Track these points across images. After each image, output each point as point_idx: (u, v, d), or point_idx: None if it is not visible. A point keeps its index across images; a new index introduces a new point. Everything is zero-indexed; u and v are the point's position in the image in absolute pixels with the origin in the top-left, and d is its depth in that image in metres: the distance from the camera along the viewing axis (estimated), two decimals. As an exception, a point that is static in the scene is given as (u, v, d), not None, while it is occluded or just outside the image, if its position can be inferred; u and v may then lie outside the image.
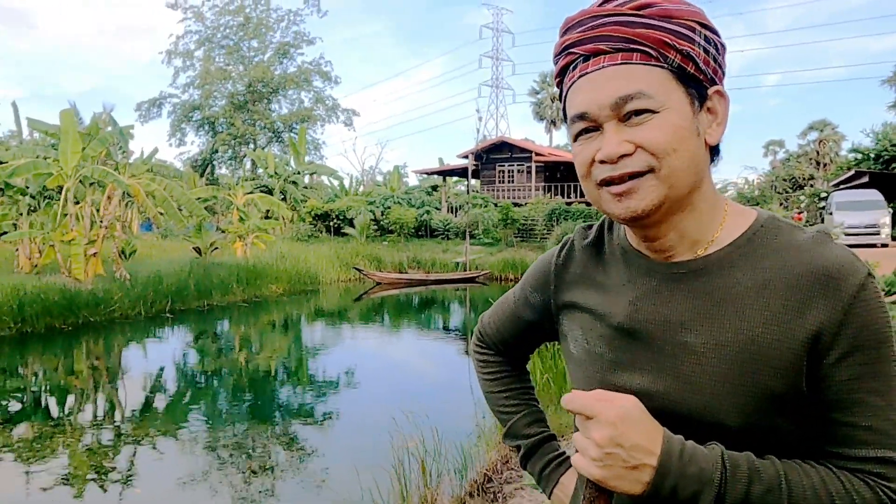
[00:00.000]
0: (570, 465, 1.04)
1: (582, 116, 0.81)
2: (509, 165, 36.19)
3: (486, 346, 1.16)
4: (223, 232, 22.95)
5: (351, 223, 30.26)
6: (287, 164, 36.47)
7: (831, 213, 21.41)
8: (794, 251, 0.78)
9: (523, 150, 35.89)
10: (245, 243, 21.53)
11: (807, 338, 0.74)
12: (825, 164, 43.83)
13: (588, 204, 32.33)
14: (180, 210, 15.66)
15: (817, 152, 44.87)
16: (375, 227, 30.42)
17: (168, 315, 15.05)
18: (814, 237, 0.79)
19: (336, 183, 39.11)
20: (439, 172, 39.91)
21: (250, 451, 6.41)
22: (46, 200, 15.40)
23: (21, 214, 15.34)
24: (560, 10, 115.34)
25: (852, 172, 27.23)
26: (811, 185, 37.94)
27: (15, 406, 8.12)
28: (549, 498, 1.05)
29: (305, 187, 37.31)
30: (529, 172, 35.18)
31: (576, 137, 0.83)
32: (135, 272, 15.49)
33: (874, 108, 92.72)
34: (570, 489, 1.00)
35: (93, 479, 5.59)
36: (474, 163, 36.18)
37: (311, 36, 48.39)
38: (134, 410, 7.95)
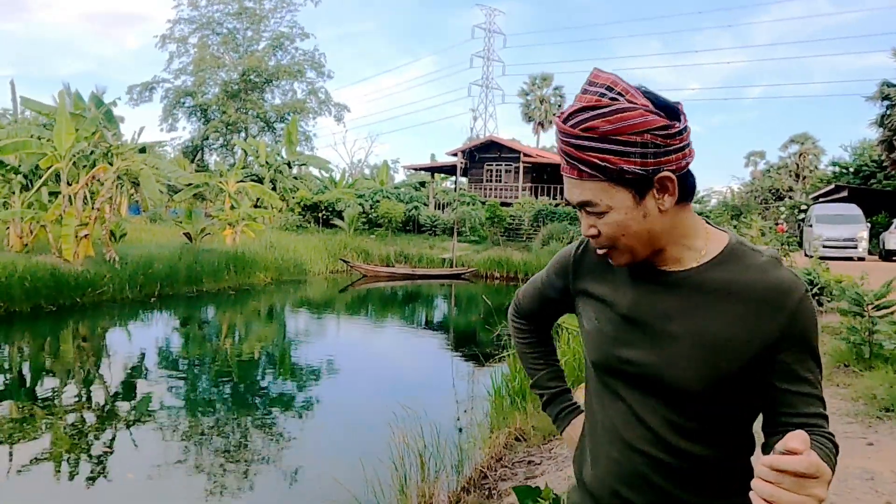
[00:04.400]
0: (579, 413, 1.39)
1: (568, 202, 1.12)
2: (497, 165, 36.42)
3: (520, 316, 1.48)
4: (213, 218, 22.98)
5: (340, 215, 30.35)
6: (278, 154, 36.47)
7: (811, 226, 21.84)
8: (756, 270, 1.07)
9: (512, 150, 36.12)
10: (235, 231, 21.50)
11: (763, 336, 1.04)
12: (804, 177, 44.51)
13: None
14: (174, 192, 15.78)
15: (797, 165, 45.54)
16: (364, 220, 30.55)
17: (157, 299, 15.13)
18: (768, 260, 1.09)
19: (325, 175, 39.17)
20: (429, 169, 40.09)
21: (242, 439, 6.35)
22: (39, 180, 15.43)
23: (13, 193, 15.37)
24: (551, 13, 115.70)
25: (832, 186, 27.80)
26: (790, 197, 38.56)
27: (-2, 385, 8.13)
28: (561, 434, 1.42)
29: (295, 178, 37.33)
30: (517, 172, 35.44)
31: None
32: (124, 255, 15.45)
33: (853, 125, 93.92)
34: (579, 429, 1.33)
35: (73, 460, 5.56)
36: (463, 161, 36.41)
37: (305, 30, 48.43)
38: (117, 393, 7.91)
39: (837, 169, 30.38)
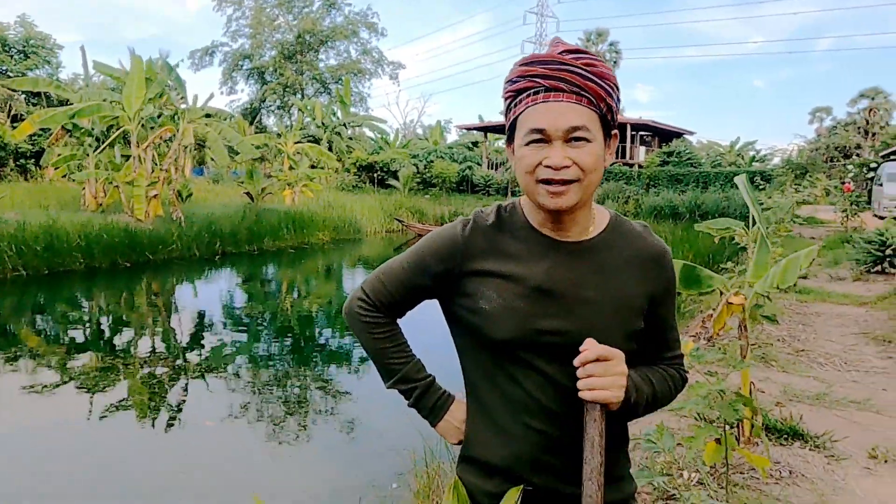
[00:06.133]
0: (453, 399, 1.34)
1: (540, 131, 1.11)
2: (553, 124, 35.86)
3: (376, 309, 1.32)
4: (272, 179, 23.54)
5: (395, 175, 30.63)
6: (334, 115, 36.84)
7: (881, 185, 20.95)
8: (638, 238, 1.26)
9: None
10: (294, 191, 21.97)
11: (651, 293, 1.25)
12: (874, 134, 42.01)
13: (629, 165, 32.10)
14: (235, 154, 16.26)
15: (866, 121, 42.98)
16: (418, 180, 30.75)
17: (221, 257, 15.70)
18: (643, 228, 1.29)
19: (379, 136, 39.40)
20: (483, 128, 39.80)
21: (302, 393, 6.53)
22: (110, 142, 16.10)
23: (87, 155, 16.11)
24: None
25: (907, 144, 26.39)
26: (858, 155, 36.74)
27: (79, 336, 8.65)
28: (435, 426, 1.33)
29: (350, 138, 37.71)
30: (573, 131, 34.84)
31: (527, 143, 1.13)
32: (190, 215, 16.03)
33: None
34: (460, 417, 1.31)
35: (148, 409, 5.83)
36: (518, 120, 36.01)
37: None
38: (186, 346, 8.22)
39: (912, 125, 28.72)
